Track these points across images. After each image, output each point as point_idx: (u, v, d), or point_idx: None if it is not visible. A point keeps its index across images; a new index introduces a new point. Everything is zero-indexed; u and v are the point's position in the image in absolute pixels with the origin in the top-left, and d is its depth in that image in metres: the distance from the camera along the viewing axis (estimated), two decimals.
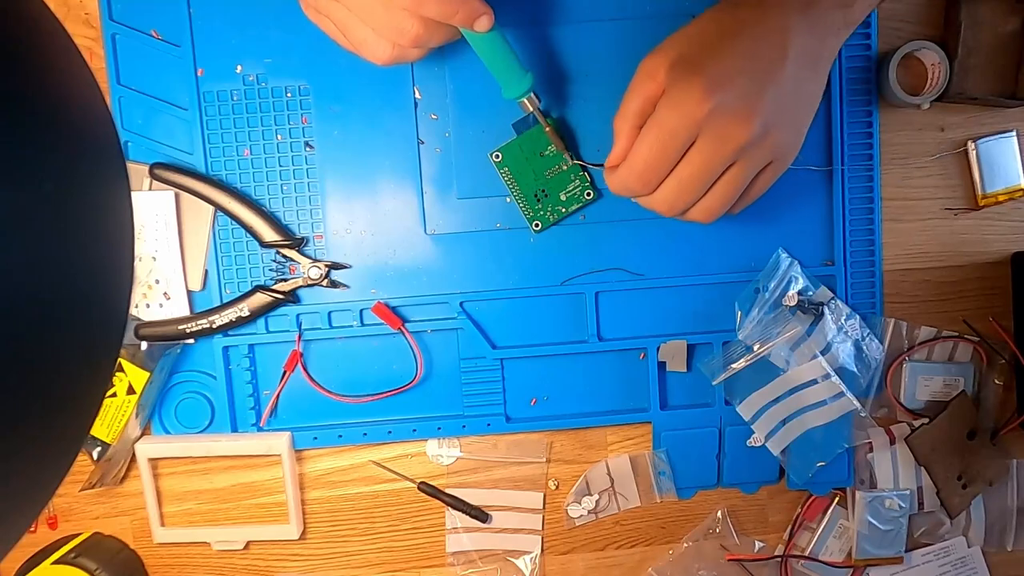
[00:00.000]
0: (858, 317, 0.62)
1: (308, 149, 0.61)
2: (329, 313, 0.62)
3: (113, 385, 0.60)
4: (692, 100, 0.46)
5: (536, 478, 0.65)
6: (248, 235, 0.61)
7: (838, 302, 0.62)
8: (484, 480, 0.65)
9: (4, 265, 0.18)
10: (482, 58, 0.51)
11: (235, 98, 0.60)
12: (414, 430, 0.63)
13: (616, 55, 0.60)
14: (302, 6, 0.50)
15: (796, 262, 0.62)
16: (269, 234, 0.60)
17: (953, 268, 0.65)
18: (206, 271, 0.62)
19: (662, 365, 0.63)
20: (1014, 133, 0.63)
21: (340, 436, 0.63)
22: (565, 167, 0.60)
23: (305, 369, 0.62)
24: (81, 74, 0.22)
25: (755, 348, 0.61)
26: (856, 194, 0.62)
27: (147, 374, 0.60)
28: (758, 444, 0.63)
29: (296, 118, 0.61)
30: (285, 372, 0.62)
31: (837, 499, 0.65)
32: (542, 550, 0.65)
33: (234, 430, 0.63)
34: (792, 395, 0.62)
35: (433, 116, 0.61)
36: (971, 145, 0.63)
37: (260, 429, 0.63)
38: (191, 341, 0.62)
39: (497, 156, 0.60)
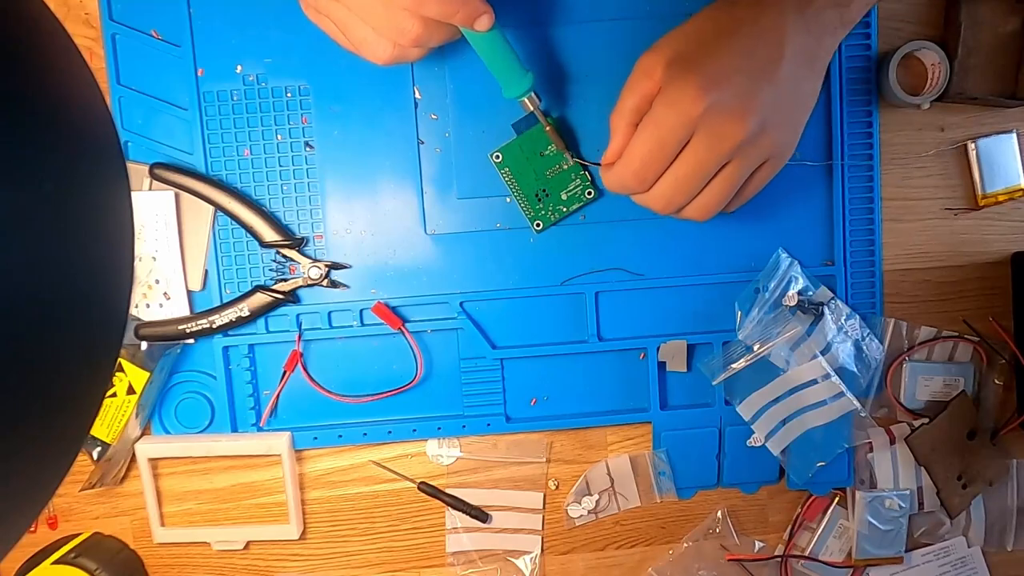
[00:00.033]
0: (858, 317, 0.62)
1: (308, 149, 0.61)
2: (329, 313, 0.62)
3: (113, 385, 0.60)
4: (688, 98, 0.46)
5: (536, 478, 0.65)
6: (248, 235, 0.61)
7: (838, 302, 0.62)
8: (484, 480, 0.65)
9: (4, 265, 0.18)
10: (482, 58, 0.52)
11: (235, 98, 0.60)
12: (414, 430, 0.63)
13: (616, 55, 0.60)
14: (302, 6, 0.50)
15: (796, 262, 0.62)
16: (269, 234, 0.60)
17: (953, 268, 0.65)
18: (206, 271, 0.62)
19: (662, 365, 0.63)
20: (1014, 133, 0.63)
21: (340, 436, 0.63)
22: (566, 166, 0.60)
23: (305, 369, 0.62)
24: (81, 74, 0.22)
25: (755, 348, 0.61)
26: (856, 194, 0.62)
27: (147, 374, 0.60)
28: (758, 444, 0.63)
29: (296, 118, 0.61)
30: (285, 372, 0.62)
31: (837, 499, 0.65)
32: (542, 550, 0.65)
33: (234, 430, 0.63)
34: (792, 395, 0.62)
35: (433, 116, 0.61)
36: (971, 145, 0.63)
37: (260, 429, 0.63)
38: (191, 341, 0.62)
39: (497, 156, 0.60)
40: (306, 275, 0.61)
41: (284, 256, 0.61)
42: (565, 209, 0.60)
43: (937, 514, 0.64)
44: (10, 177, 0.18)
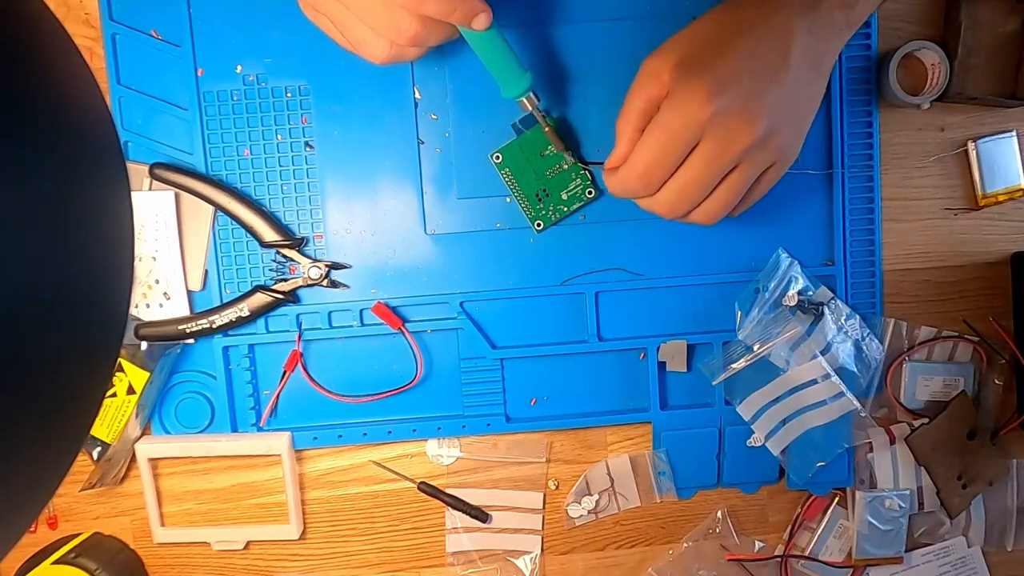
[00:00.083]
0: (858, 317, 0.62)
1: (308, 149, 0.61)
2: (329, 313, 0.62)
3: (113, 385, 0.60)
4: (696, 102, 0.46)
5: (536, 478, 0.65)
6: (248, 235, 0.61)
7: (838, 302, 0.62)
8: (484, 480, 0.65)
9: (4, 265, 0.18)
10: (480, 57, 0.51)
11: (235, 98, 0.60)
12: (414, 430, 0.63)
13: (616, 55, 0.60)
14: (300, 5, 0.50)
15: (796, 262, 0.62)
16: (269, 234, 0.60)
17: (953, 268, 0.65)
18: (206, 271, 0.62)
19: (662, 365, 0.63)
20: (1014, 133, 0.63)
21: (340, 436, 0.63)
22: (566, 166, 0.60)
23: (305, 369, 0.62)
24: (81, 74, 0.22)
25: (755, 348, 0.61)
26: (856, 194, 0.62)
27: (147, 374, 0.60)
28: (758, 444, 0.63)
29: (296, 118, 0.61)
30: (285, 372, 0.62)
31: (837, 499, 0.65)
32: (542, 550, 0.65)
33: (234, 430, 0.63)
34: (792, 395, 0.62)
35: (433, 116, 0.61)
36: (971, 145, 0.63)
37: (260, 429, 0.63)
38: (191, 341, 0.62)
39: (497, 157, 0.60)
40: (306, 275, 0.61)
41: (284, 256, 0.61)
42: (566, 209, 0.60)
43: (937, 514, 0.64)
44: (10, 177, 0.18)
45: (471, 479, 0.65)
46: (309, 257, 0.61)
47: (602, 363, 0.63)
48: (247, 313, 0.60)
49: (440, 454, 0.64)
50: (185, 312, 0.61)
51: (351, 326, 0.62)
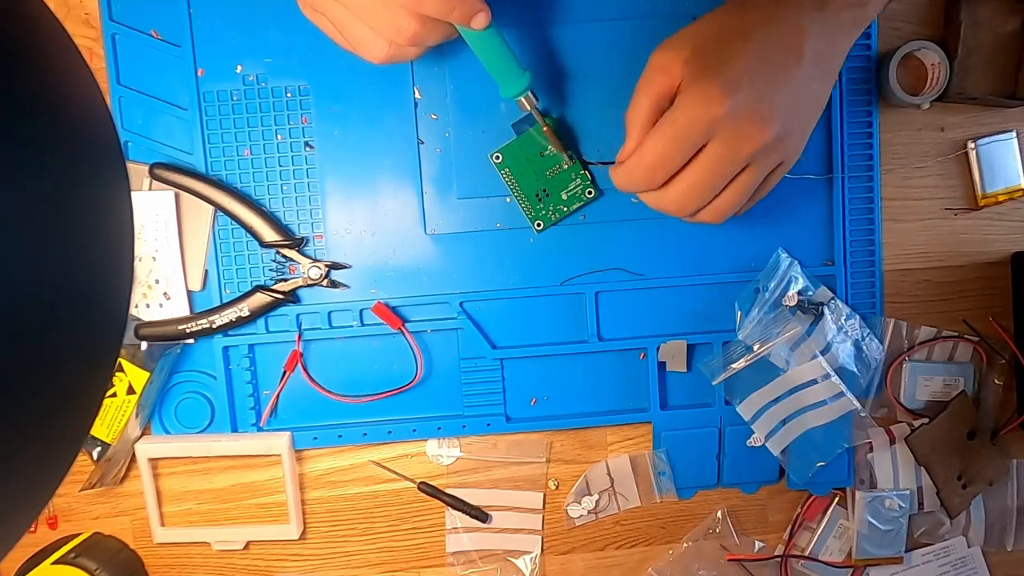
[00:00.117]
0: (858, 317, 0.62)
1: (308, 149, 0.61)
2: (329, 313, 0.62)
3: (113, 385, 0.60)
4: (710, 99, 0.45)
5: (536, 478, 0.65)
6: (248, 235, 0.61)
7: (838, 302, 0.62)
8: (484, 480, 0.65)
9: (4, 265, 0.18)
10: (479, 56, 0.51)
11: (235, 98, 0.60)
12: (414, 430, 0.63)
13: (616, 55, 0.60)
14: (300, 5, 0.50)
15: (796, 262, 0.62)
16: (269, 234, 0.60)
17: (953, 268, 0.65)
18: (206, 271, 0.62)
19: (662, 365, 0.63)
20: (1014, 133, 0.63)
21: (340, 436, 0.63)
22: (566, 166, 0.60)
23: (305, 369, 0.62)
24: (81, 74, 0.22)
25: (755, 348, 0.61)
26: (856, 194, 0.62)
27: (147, 374, 0.60)
28: (758, 444, 0.63)
29: (296, 118, 0.61)
30: (285, 372, 0.62)
31: (837, 499, 0.65)
32: (542, 550, 0.65)
33: (234, 430, 0.63)
34: (792, 395, 0.62)
35: (433, 116, 0.61)
36: (971, 145, 0.63)
37: (260, 429, 0.63)
38: (191, 341, 0.62)
39: (497, 157, 0.60)
40: (306, 275, 0.61)
41: (284, 256, 0.61)
42: (566, 209, 0.60)
43: (937, 514, 0.64)
44: (10, 177, 0.18)
45: (471, 479, 0.65)
46: (309, 257, 0.61)
47: (602, 363, 0.63)
48: (247, 313, 0.60)
49: (440, 454, 0.64)
50: (185, 312, 0.61)
51: (351, 326, 0.62)
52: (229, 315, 0.60)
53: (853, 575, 0.65)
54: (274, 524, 0.64)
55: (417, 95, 0.61)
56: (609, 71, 0.60)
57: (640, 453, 0.65)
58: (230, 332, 0.62)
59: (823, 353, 0.61)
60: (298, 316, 0.62)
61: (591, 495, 0.65)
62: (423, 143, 0.61)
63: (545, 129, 0.57)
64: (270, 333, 0.62)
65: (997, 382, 0.65)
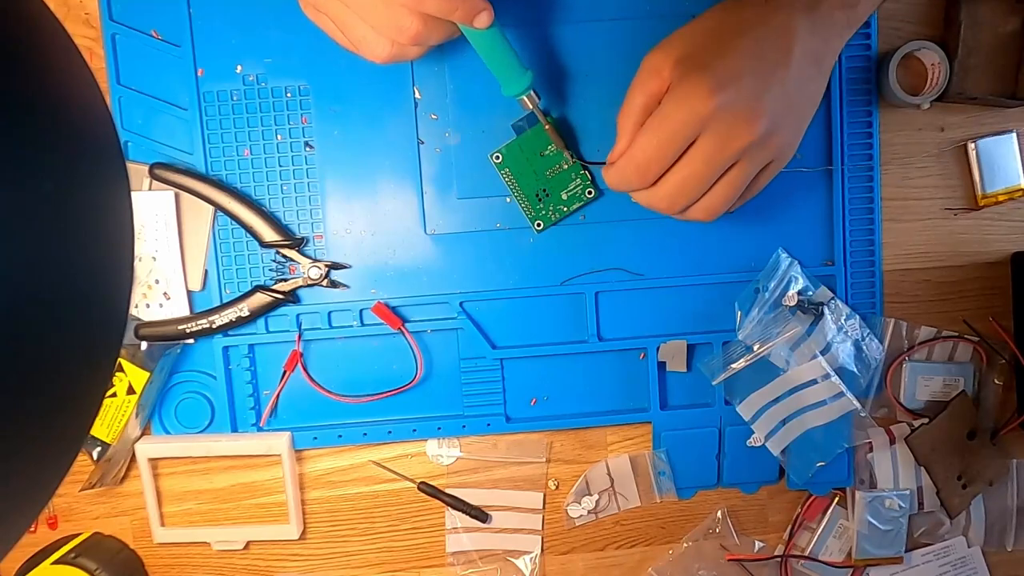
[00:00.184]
0: (858, 317, 0.62)
1: (308, 149, 0.61)
2: (329, 313, 0.62)
3: (113, 385, 0.60)
4: (698, 97, 0.46)
5: (536, 478, 0.65)
6: (248, 235, 0.61)
7: (838, 302, 0.62)
8: (484, 480, 0.65)
9: (4, 265, 0.18)
10: (481, 56, 0.51)
11: (235, 98, 0.60)
12: (414, 430, 0.63)
13: (616, 55, 0.60)
14: (301, 4, 0.50)
15: (796, 262, 0.62)
16: (269, 234, 0.60)
17: (953, 268, 0.65)
18: (206, 271, 0.62)
19: (662, 365, 0.63)
20: (1014, 133, 0.63)
21: (340, 436, 0.63)
22: (566, 166, 0.60)
23: (305, 369, 0.62)
24: (81, 74, 0.22)
25: (755, 348, 0.61)
26: (856, 194, 0.62)
27: (147, 374, 0.60)
28: (758, 444, 0.63)
29: (296, 118, 0.61)
30: (285, 372, 0.62)
31: (837, 499, 0.65)
32: (542, 550, 0.65)
33: (234, 430, 0.63)
34: (792, 395, 0.62)
35: (433, 116, 0.61)
36: (971, 145, 0.63)
37: (260, 429, 0.63)
38: (191, 341, 0.62)
39: (497, 157, 0.60)
40: (306, 275, 0.61)
41: (284, 256, 0.61)
42: (566, 209, 0.60)
43: (937, 514, 0.64)
44: (10, 177, 0.18)
45: (471, 479, 0.65)
46: (309, 257, 0.61)
47: (602, 363, 0.63)
48: (247, 313, 0.60)
49: (440, 454, 0.64)
50: (185, 312, 0.61)
51: (351, 326, 0.62)
52: (229, 315, 0.60)
53: (853, 575, 0.65)
54: (274, 524, 0.64)
55: (417, 95, 0.61)
56: (609, 71, 0.60)
57: (640, 453, 0.65)
58: (230, 332, 0.62)
59: (823, 353, 0.61)
60: (298, 316, 0.62)
61: (591, 495, 0.65)
62: (423, 143, 0.61)
63: (547, 128, 0.57)
64: (270, 333, 0.62)
65: (997, 382, 0.65)
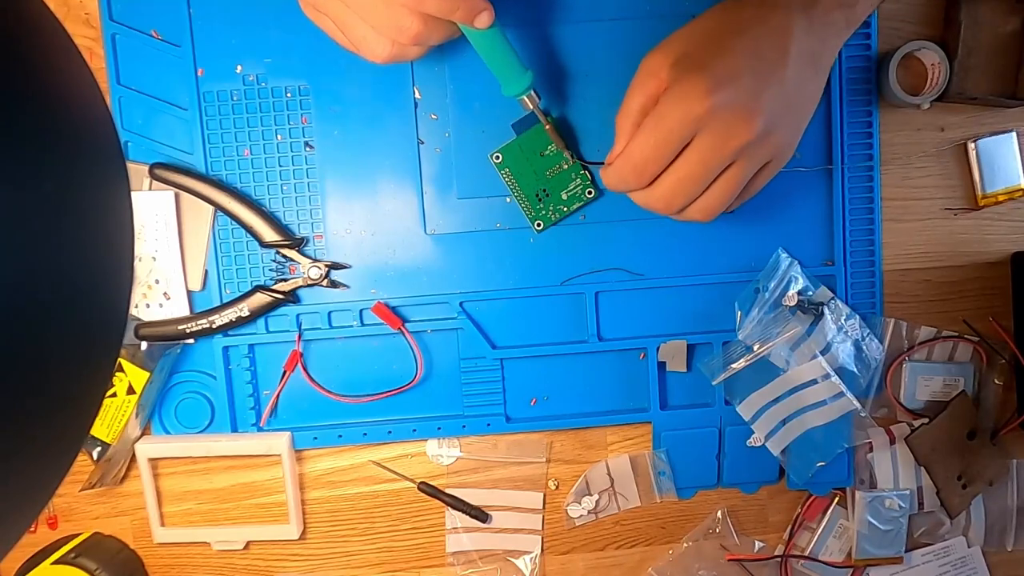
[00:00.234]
0: (858, 317, 0.62)
1: (308, 149, 0.61)
2: (329, 313, 0.62)
3: (113, 385, 0.60)
4: (694, 96, 0.46)
5: (536, 478, 0.65)
6: (248, 235, 0.61)
7: (838, 302, 0.62)
8: (484, 480, 0.65)
9: (3, 265, 0.18)
10: (482, 55, 0.51)
11: (235, 98, 0.60)
12: (414, 430, 0.63)
13: (616, 55, 0.60)
14: (301, 4, 0.50)
15: (796, 262, 0.62)
16: (269, 234, 0.60)
17: (953, 268, 0.65)
18: (206, 271, 0.62)
19: (662, 365, 0.63)
20: (1014, 133, 0.63)
21: (340, 436, 0.63)
22: (566, 166, 0.60)
23: (305, 369, 0.62)
24: (81, 74, 0.22)
25: (755, 348, 0.61)
26: (856, 194, 0.62)
27: (147, 374, 0.60)
28: (758, 444, 0.63)
29: (296, 118, 0.61)
30: (285, 372, 0.62)
31: (837, 499, 0.65)
32: (542, 550, 0.65)
33: (234, 430, 0.63)
34: (792, 395, 0.62)
35: (433, 116, 0.61)
36: (971, 145, 0.63)
37: (260, 429, 0.63)
38: (191, 341, 0.62)
39: (497, 157, 0.60)
40: (306, 275, 0.61)
41: (284, 256, 0.61)
42: (566, 209, 0.60)
43: (937, 514, 0.64)
44: (10, 177, 0.18)
45: (471, 479, 0.65)
46: (309, 257, 0.61)
47: (602, 363, 0.63)
48: (247, 313, 0.60)
49: (440, 454, 0.64)
50: (185, 312, 0.61)
51: (351, 326, 0.62)
52: (229, 315, 0.60)
53: (853, 575, 0.65)
54: (274, 524, 0.64)
55: (417, 95, 0.61)
56: (609, 71, 0.60)
57: (640, 453, 0.65)
58: (230, 332, 0.62)
59: (823, 353, 0.61)
60: (298, 316, 0.62)
61: (591, 495, 0.65)
62: (423, 143, 0.61)
63: (547, 128, 0.57)
64: (270, 333, 0.62)
65: (997, 382, 0.65)
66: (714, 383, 0.62)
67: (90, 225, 0.21)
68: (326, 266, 0.61)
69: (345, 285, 0.62)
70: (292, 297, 0.61)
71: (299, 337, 0.62)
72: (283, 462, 0.62)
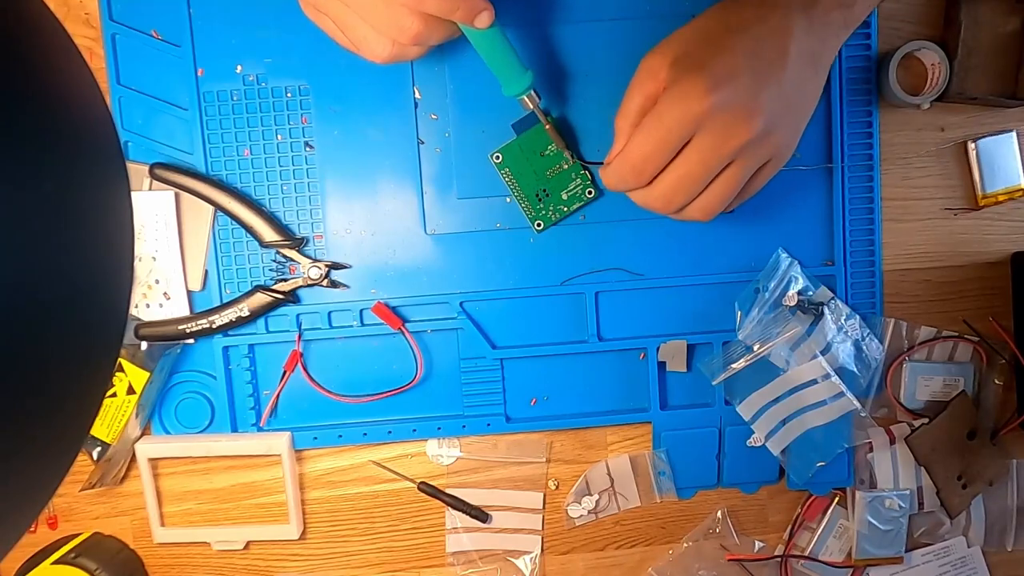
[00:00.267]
0: (858, 317, 0.62)
1: (308, 149, 0.61)
2: (329, 313, 0.62)
3: (113, 385, 0.60)
4: (693, 96, 0.46)
5: (536, 478, 0.65)
6: (248, 235, 0.61)
7: (838, 302, 0.62)
8: (484, 480, 0.65)
9: (3, 265, 0.18)
10: (482, 55, 0.51)
11: (235, 98, 0.60)
12: (414, 430, 0.63)
13: (616, 55, 0.60)
14: (301, 5, 0.50)
15: (796, 262, 0.62)
16: (269, 234, 0.60)
17: (953, 268, 0.65)
18: (206, 271, 0.62)
19: (662, 365, 0.63)
20: (1014, 133, 0.63)
21: (340, 436, 0.63)
22: (566, 166, 0.60)
23: (305, 369, 0.62)
24: (81, 74, 0.22)
25: (755, 348, 0.61)
26: (856, 194, 0.62)
27: (147, 374, 0.60)
28: (758, 444, 0.63)
29: (296, 118, 0.61)
30: (285, 372, 0.62)
31: (837, 499, 0.65)
32: (542, 550, 0.65)
33: (234, 430, 0.63)
34: (792, 395, 0.62)
35: (433, 116, 0.61)
36: (971, 145, 0.63)
37: (260, 429, 0.63)
38: (191, 341, 0.62)
39: (497, 157, 0.60)
40: (306, 275, 0.61)
41: (284, 256, 0.61)
42: (566, 209, 0.60)
43: (937, 514, 0.64)
44: (10, 177, 0.18)
45: (471, 479, 0.65)
46: (309, 257, 0.61)
47: (602, 363, 0.63)
48: (247, 313, 0.60)
49: (440, 454, 0.64)
50: (185, 312, 0.61)
51: (351, 326, 0.62)
52: (229, 315, 0.60)
53: (853, 575, 0.65)
54: (274, 524, 0.64)
55: (417, 95, 0.61)
56: (609, 71, 0.60)
57: (640, 453, 0.65)
58: (230, 332, 0.62)
59: (823, 353, 0.61)
60: (298, 316, 0.62)
61: (591, 495, 0.65)
62: (423, 143, 0.61)
63: (547, 128, 0.57)
64: (270, 333, 0.62)
65: (997, 382, 0.65)
66: (714, 383, 0.62)
67: (90, 225, 0.21)
68: (326, 266, 0.61)
69: (345, 285, 0.62)
70: (292, 297, 0.61)
71: (299, 337, 0.62)
72: (283, 462, 0.62)
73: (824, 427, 0.62)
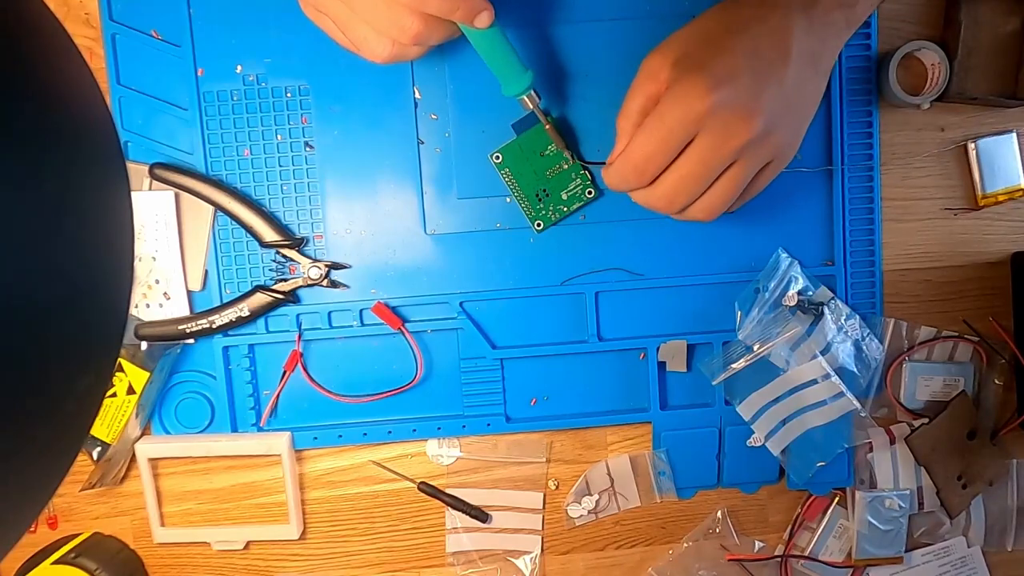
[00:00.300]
0: (858, 317, 0.62)
1: (308, 149, 0.61)
2: (329, 313, 0.62)
3: (113, 385, 0.60)
4: (695, 96, 0.46)
5: (536, 478, 0.65)
6: (248, 235, 0.61)
7: (838, 302, 0.62)
8: (484, 480, 0.65)
9: (3, 265, 0.18)
10: (482, 55, 0.51)
11: (235, 98, 0.60)
12: (414, 430, 0.63)
13: (616, 55, 0.60)
14: (301, 4, 0.50)
15: (796, 262, 0.62)
16: (269, 234, 0.60)
17: (953, 268, 0.65)
18: (206, 271, 0.62)
19: (662, 365, 0.63)
20: (1014, 133, 0.63)
21: (340, 436, 0.63)
22: (566, 166, 0.60)
23: (305, 369, 0.62)
24: (81, 74, 0.22)
25: (755, 348, 0.61)
26: (856, 194, 0.62)
27: (147, 374, 0.60)
28: (758, 444, 0.63)
29: (296, 118, 0.61)
30: (285, 372, 0.62)
31: (837, 499, 0.65)
32: (542, 550, 0.65)
33: (234, 430, 0.63)
34: (792, 395, 0.62)
35: (433, 116, 0.61)
36: (971, 145, 0.63)
37: (260, 429, 0.63)
38: (191, 341, 0.62)
39: (497, 157, 0.60)
40: (306, 275, 0.61)
41: (284, 256, 0.61)
42: (566, 209, 0.60)
43: (937, 514, 0.64)
44: (10, 177, 0.18)
45: (471, 479, 0.65)
46: (309, 257, 0.61)
47: (602, 363, 0.63)
48: (247, 313, 0.60)
49: (440, 454, 0.64)
50: (185, 312, 0.61)
51: (351, 326, 0.62)
52: (229, 315, 0.60)
53: (853, 575, 0.65)
54: (274, 524, 0.64)
55: (417, 95, 0.61)
56: (609, 71, 0.60)
57: (640, 453, 0.65)
58: (230, 332, 0.62)
59: (823, 353, 0.61)
60: (298, 316, 0.62)
61: (591, 495, 0.65)
62: (423, 143, 0.61)
63: (547, 128, 0.57)
64: (270, 333, 0.62)
65: (997, 382, 0.65)
66: (714, 383, 0.62)
67: (90, 225, 0.21)
68: (326, 266, 0.61)
69: (345, 285, 0.62)
70: (292, 297, 0.61)
71: (299, 337, 0.62)
72: (283, 462, 0.62)
73: (824, 427, 0.62)
